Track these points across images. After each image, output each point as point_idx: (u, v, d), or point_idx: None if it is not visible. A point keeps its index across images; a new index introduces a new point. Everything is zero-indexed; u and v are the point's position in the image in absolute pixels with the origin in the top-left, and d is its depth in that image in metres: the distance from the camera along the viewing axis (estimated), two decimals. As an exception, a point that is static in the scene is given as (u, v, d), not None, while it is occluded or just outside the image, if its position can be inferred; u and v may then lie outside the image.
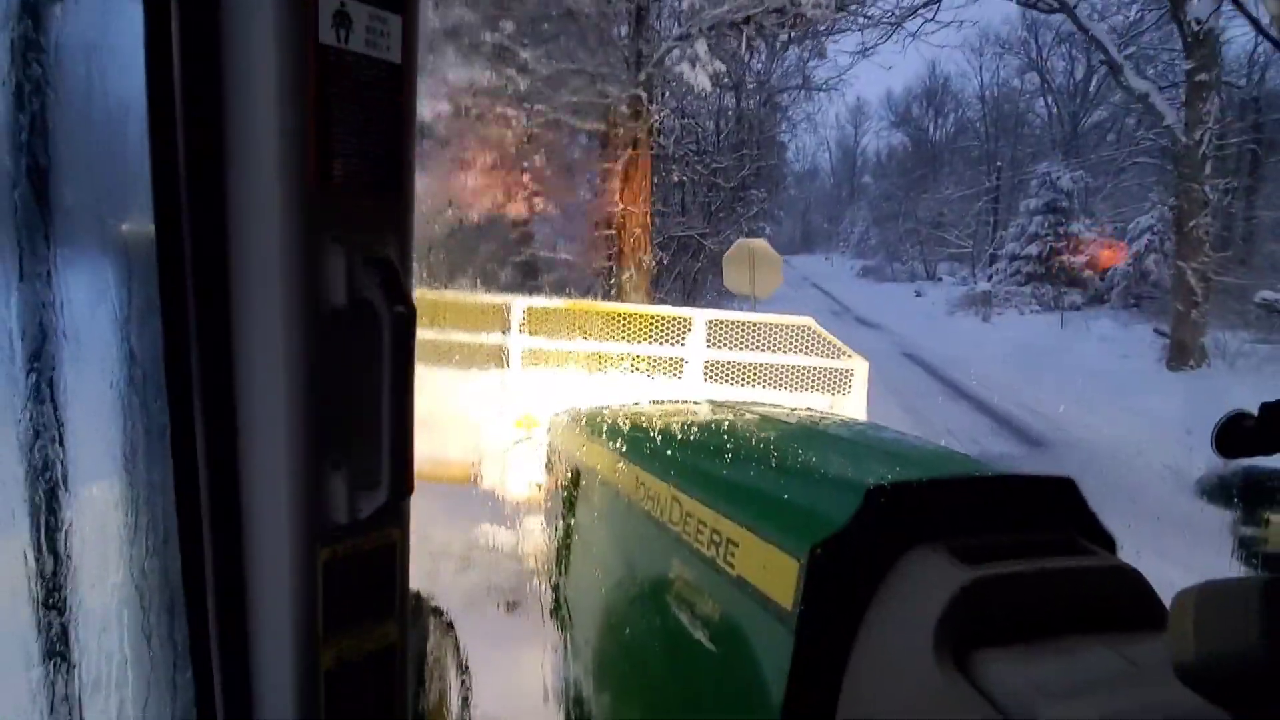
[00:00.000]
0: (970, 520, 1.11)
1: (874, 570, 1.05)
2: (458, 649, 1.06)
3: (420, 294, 0.71)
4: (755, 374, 5.81)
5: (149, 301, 0.64)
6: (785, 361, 5.76)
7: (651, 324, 5.86)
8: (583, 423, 2.14)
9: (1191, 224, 13.07)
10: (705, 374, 5.80)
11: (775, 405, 2.53)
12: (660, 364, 5.84)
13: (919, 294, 29.68)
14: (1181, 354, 13.24)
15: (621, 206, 11.02)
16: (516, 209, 10.05)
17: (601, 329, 5.76)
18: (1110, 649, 0.93)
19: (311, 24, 0.60)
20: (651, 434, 1.81)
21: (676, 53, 10.44)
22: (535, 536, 2.95)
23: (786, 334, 5.80)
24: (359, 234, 0.66)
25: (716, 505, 1.34)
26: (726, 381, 5.81)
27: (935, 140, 43.05)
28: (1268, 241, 18.00)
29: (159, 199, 0.63)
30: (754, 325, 5.88)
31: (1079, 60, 29.46)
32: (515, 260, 10.76)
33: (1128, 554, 1.19)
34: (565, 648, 1.97)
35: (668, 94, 11.78)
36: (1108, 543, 1.18)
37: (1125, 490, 6.49)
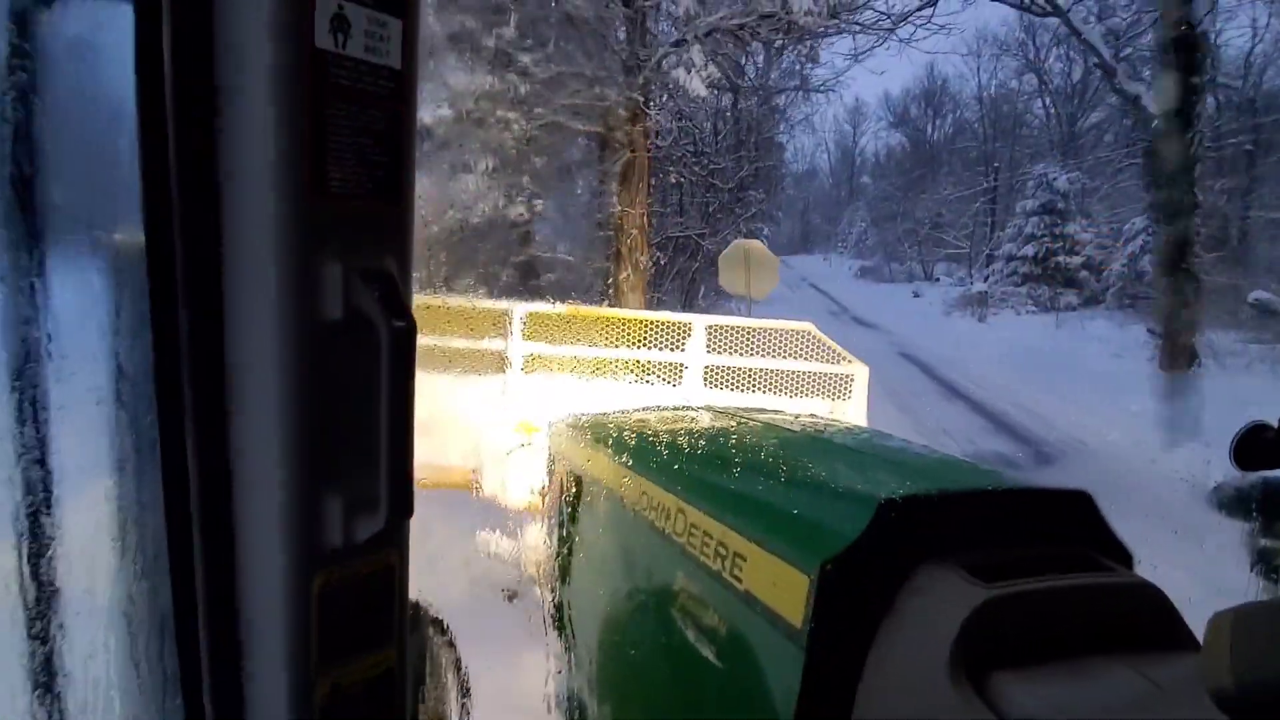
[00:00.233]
0: (984, 534, 1.08)
1: (886, 586, 1.02)
2: (459, 668, 1.03)
3: (421, 300, 0.68)
4: (755, 379, 5.77)
5: (138, 315, 0.61)
6: (785, 367, 5.72)
7: (651, 329, 5.82)
8: (584, 430, 2.11)
9: (1182, 225, 13.15)
10: (705, 379, 5.76)
11: (778, 412, 2.50)
12: (660, 369, 5.81)
13: (916, 294, 29.68)
14: (1172, 354, 13.35)
15: (619, 208, 11.11)
16: (516, 210, 10.08)
17: (601, 335, 5.73)
18: (1132, 669, 0.90)
19: (307, 28, 0.58)
20: (654, 442, 1.78)
21: (673, 58, 10.57)
22: (535, 542, 2.93)
23: (786, 339, 5.77)
24: (356, 245, 0.63)
25: (722, 517, 1.30)
26: (726, 387, 5.77)
27: (933, 141, 43.07)
28: (1259, 243, 18.03)
29: (149, 209, 0.60)
30: (753, 330, 5.85)
31: (1076, 61, 29.49)
32: (515, 260, 10.85)
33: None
34: (567, 661, 1.94)
35: (665, 97, 11.85)
36: (1124, 557, 1.15)
37: (1116, 489, 6.64)
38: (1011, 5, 16.60)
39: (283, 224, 0.59)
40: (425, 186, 8.90)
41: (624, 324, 5.82)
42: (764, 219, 22.52)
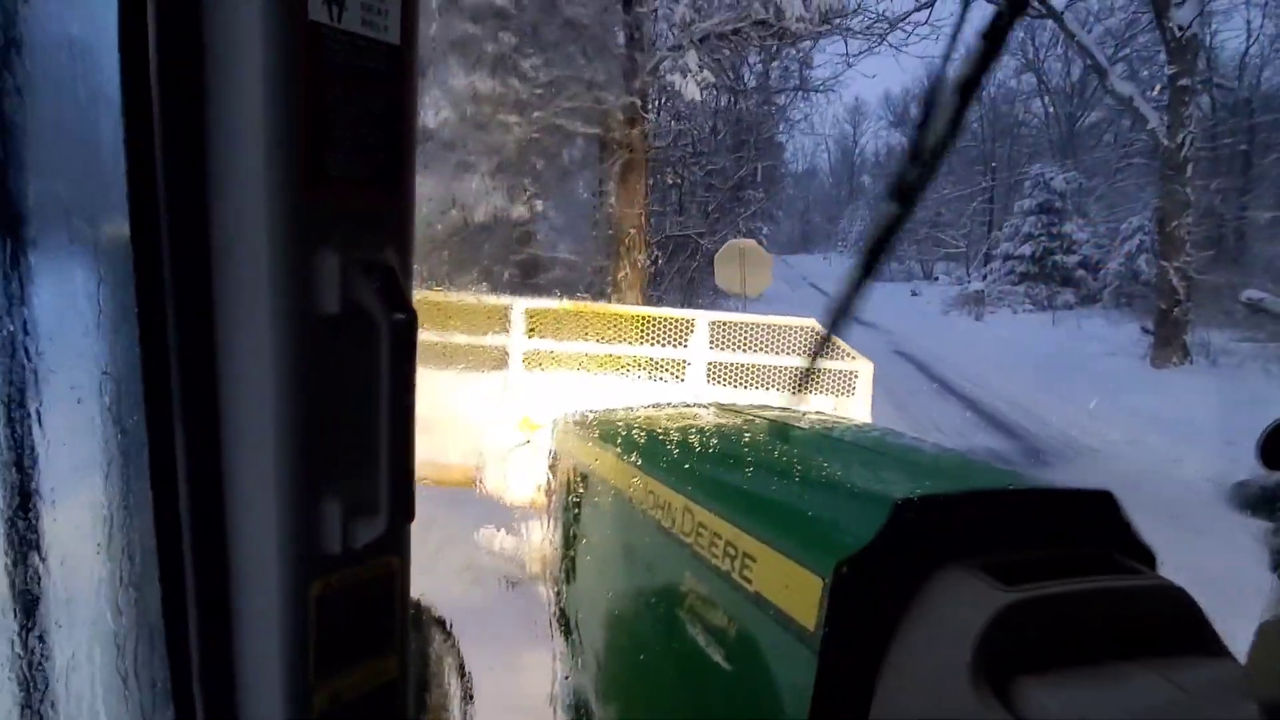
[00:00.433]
0: (1003, 535, 1.05)
1: (903, 589, 0.98)
2: (462, 672, 1.00)
3: (422, 295, 0.64)
4: (758, 376, 5.73)
5: (124, 310, 0.57)
6: (788, 363, 5.68)
7: (654, 326, 5.78)
8: (587, 427, 2.07)
9: (1174, 224, 13.31)
10: (708, 376, 5.73)
11: (784, 409, 2.46)
12: (663, 366, 5.77)
13: (915, 293, 29.67)
14: (1165, 351, 13.44)
15: (617, 208, 11.28)
16: (518, 210, 10.17)
17: (603, 331, 5.69)
18: (1159, 675, 0.87)
19: None
20: (661, 440, 1.74)
21: (669, 63, 10.80)
22: (538, 539, 2.90)
23: (790, 335, 5.73)
24: (354, 235, 0.59)
25: (731, 517, 1.26)
26: (729, 383, 5.74)
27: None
28: (1255, 242, 18.03)
29: (134, 196, 0.56)
30: (757, 326, 5.81)
31: (1075, 61, 29.42)
32: (516, 259, 10.98)
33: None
34: (572, 663, 1.90)
35: (663, 100, 11.97)
36: (1147, 558, 1.11)
37: (1104, 477, 6.95)
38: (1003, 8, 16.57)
39: (276, 213, 0.55)
40: (429, 187, 9.03)
41: (627, 320, 5.79)
42: (763, 218, 22.53)
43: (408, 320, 0.58)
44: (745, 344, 5.77)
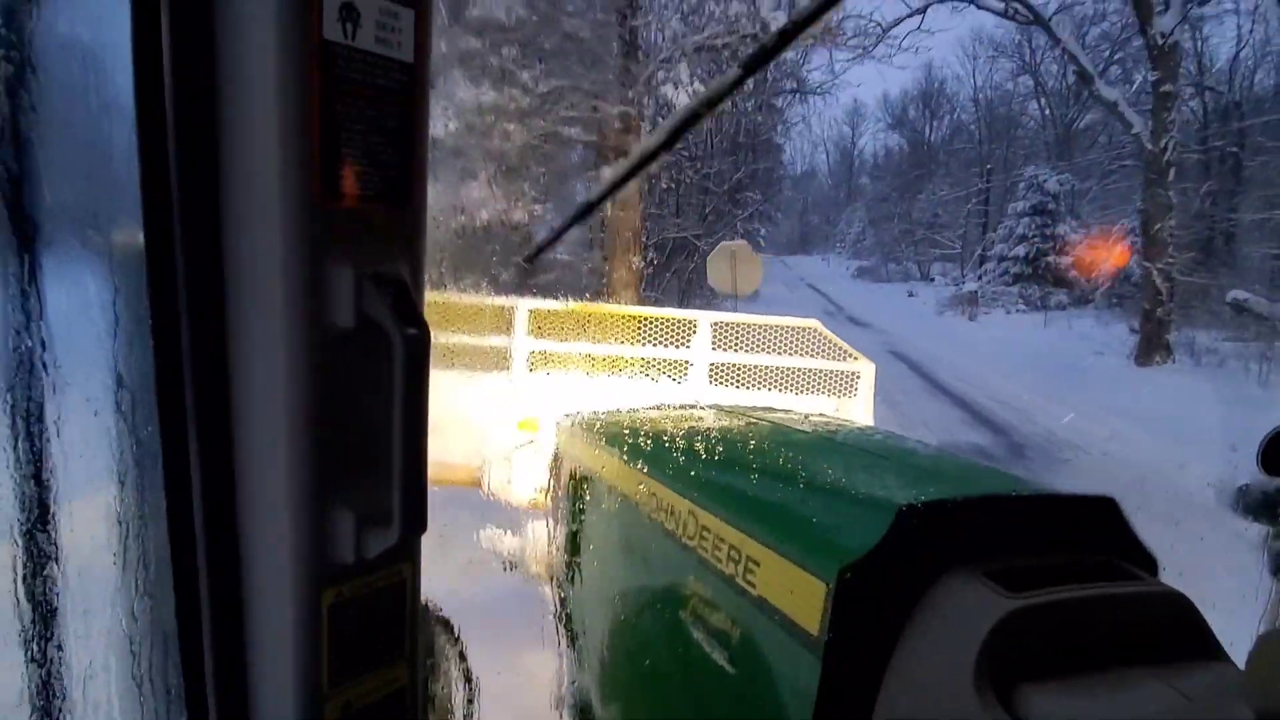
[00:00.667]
0: (1006, 541, 1.04)
1: (907, 595, 0.98)
2: (469, 677, 0.99)
3: (427, 296, 0.64)
4: (760, 376, 5.68)
5: (138, 321, 0.57)
6: (790, 364, 5.62)
7: (656, 326, 5.73)
8: (589, 428, 2.06)
9: (1157, 227, 13.45)
10: (710, 376, 5.67)
11: (787, 411, 2.44)
12: (665, 366, 5.72)
13: (911, 294, 29.64)
14: (1149, 350, 13.54)
15: (612, 212, 11.49)
16: (518, 214, 10.33)
17: (606, 331, 5.65)
18: (1161, 681, 0.86)
19: (315, 18, 0.53)
20: (664, 443, 1.73)
21: (662, 74, 11.14)
22: (538, 536, 2.90)
23: (792, 336, 5.67)
24: (367, 249, 0.58)
25: (735, 520, 1.26)
26: (731, 384, 5.68)
27: (931, 142, 42.85)
28: (1243, 243, 18.06)
29: (149, 210, 0.55)
30: (759, 327, 5.74)
31: (1071, 64, 29.38)
32: (516, 261, 11.06)
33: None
34: (574, 664, 1.90)
35: (660, 106, 12.16)
36: (1149, 564, 1.11)
37: (1075, 473, 7.34)
38: (995, 13, 16.71)
39: (290, 227, 0.55)
40: (433, 193, 9.15)
41: (628, 321, 5.74)
42: (761, 219, 22.53)
43: (420, 334, 0.58)
44: (747, 345, 5.72)
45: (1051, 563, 1.02)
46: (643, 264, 12.42)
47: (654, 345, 5.71)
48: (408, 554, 0.66)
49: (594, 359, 5.54)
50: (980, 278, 25.75)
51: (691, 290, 17.16)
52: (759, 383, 5.68)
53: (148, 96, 0.54)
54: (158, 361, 0.57)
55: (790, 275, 34.73)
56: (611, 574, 1.76)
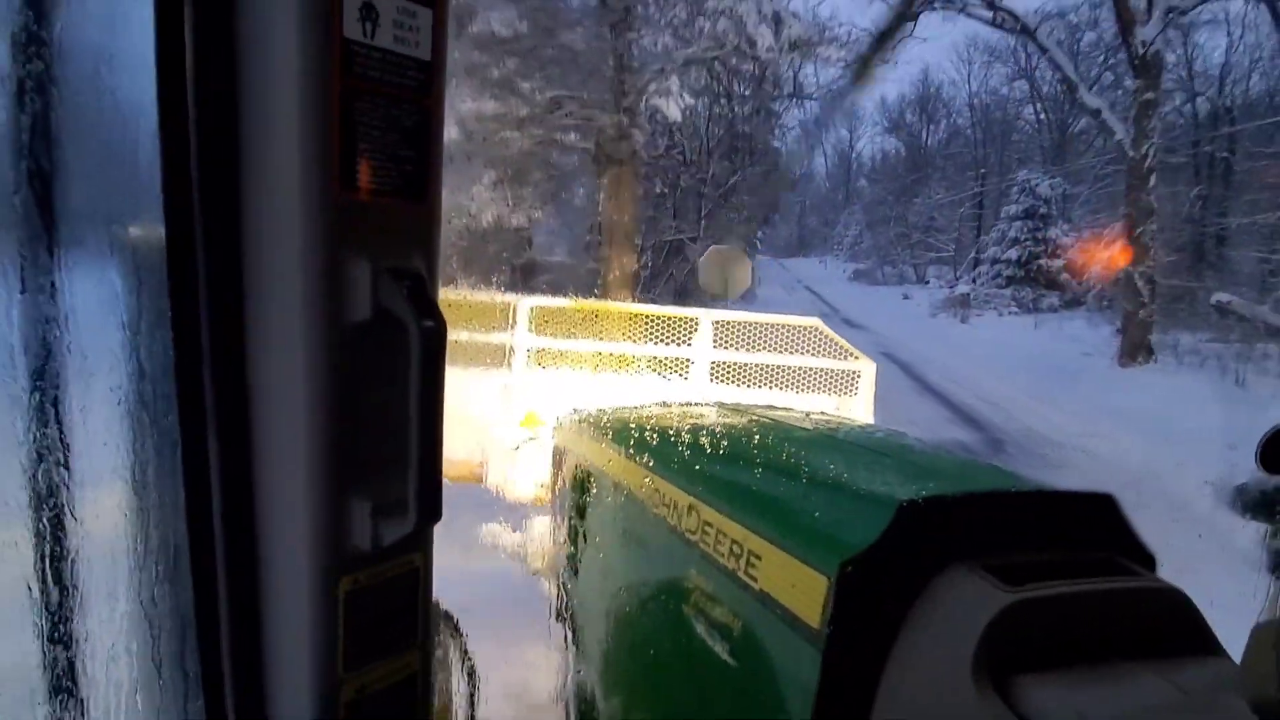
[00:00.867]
0: (1006, 537, 1.04)
1: (907, 589, 0.98)
2: (472, 672, 1.00)
3: None
4: (762, 375, 5.63)
5: (159, 314, 0.58)
6: (792, 363, 5.57)
7: (658, 324, 5.68)
8: (591, 424, 2.06)
9: (1139, 231, 13.54)
10: (711, 374, 5.63)
11: (788, 409, 2.44)
12: (667, 364, 5.68)
13: (906, 297, 29.63)
14: (1132, 352, 13.65)
15: (607, 216, 11.84)
16: (518, 218, 10.52)
17: (607, 329, 5.61)
18: (1159, 676, 0.86)
19: (336, 16, 0.54)
20: (666, 438, 1.73)
21: (653, 85, 11.45)
22: (540, 532, 2.90)
23: (793, 335, 5.63)
24: (384, 244, 0.59)
25: (737, 515, 1.26)
26: (733, 382, 5.64)
27: (928, 146, 42.66)
28: (1230, 247, 18.11)
29: (170, 205, 0.56)
30: (760, 326, 5.70)
31: (1057, 72, 29.37)
32: (517, 262, 11.43)
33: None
34: (577, 658, 1.90)
35: (656, 114, 12.41)
36: (1147, 560, 1.11)
37: (1049, 466, 7.62)
38: (984, 22, 16.80)
39: (310, 221, 0.56)
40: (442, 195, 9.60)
41: (631, 318, 5.69)
42: (758, 222, 22.53)
43: (437, 327, 0.58)
44: (749, 343, 5.67)
45: (1050, 558, 1.02)
46: (636, 265, 12.73)
47: (656, 343, 5.66)
48: (420, 543, 0.66)
49: (596, 356, 5.49)
50: (974, 280, 25.79)
51: (686, 291, 17.19)
52: (760, 381, 5.63)
53: (170, 97, 0.55)
54: (178, 354, 0.58)
55: (788, 278, 34.71)
56: (614, 568, 1.77)
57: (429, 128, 0.61)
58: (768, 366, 5.62)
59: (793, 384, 5.58)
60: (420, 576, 0.67)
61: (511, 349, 5.30)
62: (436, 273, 0.63)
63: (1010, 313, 22.46)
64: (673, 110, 11.42)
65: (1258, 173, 16.94)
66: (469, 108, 9.72)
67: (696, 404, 2.53)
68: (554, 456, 2.33)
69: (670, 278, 16.95)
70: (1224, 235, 18.86)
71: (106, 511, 0.61)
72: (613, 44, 11.30)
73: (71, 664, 0.60)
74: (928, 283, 32.77)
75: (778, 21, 11.26)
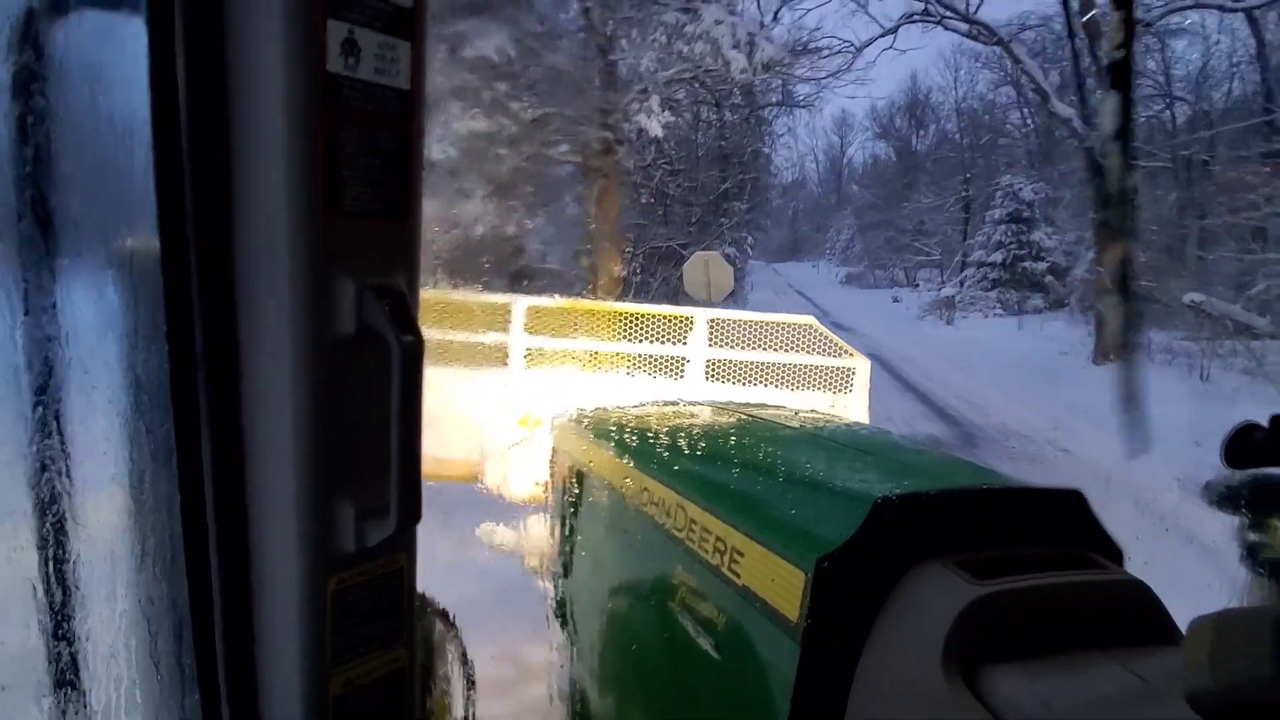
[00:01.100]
0: (978, 532, 1.06)
1: (881, 583, 1.00)
2: (465, 660, 1.02)
3: (429, 296, 0.68)
4: (757, 373, 5.56)
5: (155, 328, 0.60)
6: (787, 360, 5.50)
7: (653, 323, 5.61)
8: (587, 425, 2.08)
9: (1112, 234, 13.65)
10: (707, 373, 5.55)
11: (780, 408, 2.45)
12: (662, 363, 5.61)
13: (896, 300, 29.70)
14: (1103, 351, 13.90)
15: (594, 225, 12.44)
16: (509, 228, 10.94)
17: (603, 328, 5.55)
18: (1120, 665, 0.88)
19: (319, 52, 0.56)
20: (656, 438, 1.75)
21: (636, 104, 12.05)
22: (537, 531, 2.91)
23: (788, 333, 5.56)
24: (367, 263, 0.62)
25: (721, 513, 1.28)
26: (728, 380, 5.56)
27: (917, 151, 42.58)
28: (1205, 249, 18.24)
29: (164, 225, 0.58)
30: (755, 324, 5.63)
31: (1050, 75, 29.49)
32: (509, 270, 11.71)
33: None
34: (569, 653, 1.92)
35: (635, 133, 12.77)
36: (1115, 555, 1.12)
37: (1019, 460, 7.91)
38: (961, 34, 16.98)
39: (297, 242, 0.58)
40: (434, 208, 9.86)
41: (626, 317, 5.61)
42: (749, 227, 22.58)
43: (416, 341, 0.61)
44: (744, 342, 5.59)
45: (1021, 553, 1.03)
46: (622, 271, 13.16)
47: (651, 342, 5.58)
48: (404, 544, 0.69)
49: (592, 355, 5.43)
50: (961, 283, 25.90)
51: (675, 296, 17.25)
52: (756, 379, 5.55)
53: (164, 120, 0.57)
54: (173, 364, 0.60)
55: (779, 282, 34.69)
56: (605, 566, 1.79)
57: (409, 153, 0.64)
58: (763, 364, 5.53)
59: (788, 382, 5.49)
60: (405, 575, 0.70)
61: (509, 349, 5.24)
62: (417, 289, 0.66)
63: (995, 314, 22.59)
64: (654, 127, 12.01)
65: (1227, 176, 17.06)
66: (463, 126, 10.11)
67: (689, 404, 2.54)
68: (550, 456, 2.35)
69: (664, 282, 17.01)
70: (1195, 237, 19.01)
71: (107, 516, 0.63)
72: (598, 65, 11.88)
73: (75, 660, 0.62)
74: (918, 286, 32.82)
75: (751, 45, 11.84)
